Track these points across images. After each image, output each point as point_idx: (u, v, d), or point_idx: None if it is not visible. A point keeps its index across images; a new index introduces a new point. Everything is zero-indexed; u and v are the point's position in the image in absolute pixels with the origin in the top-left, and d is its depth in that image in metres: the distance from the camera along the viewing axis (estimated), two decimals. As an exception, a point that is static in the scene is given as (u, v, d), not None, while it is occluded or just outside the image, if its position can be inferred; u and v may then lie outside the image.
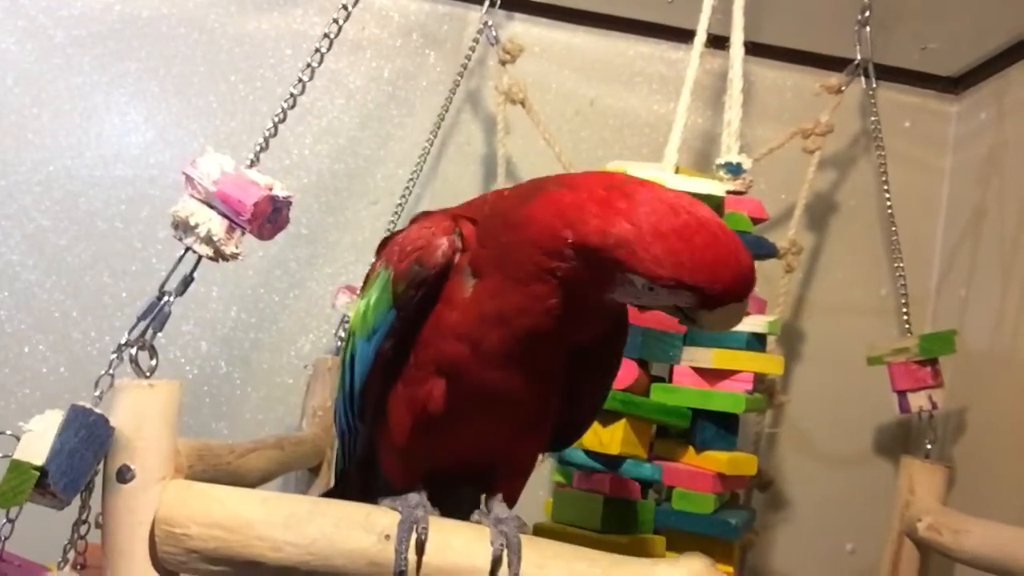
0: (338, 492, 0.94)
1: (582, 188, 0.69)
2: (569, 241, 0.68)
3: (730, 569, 1.07)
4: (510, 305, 0.73)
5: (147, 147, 1.49)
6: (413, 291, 0.76)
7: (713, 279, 0.65)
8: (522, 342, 0.74)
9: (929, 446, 1.30)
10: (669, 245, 0.65)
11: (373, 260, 0.87)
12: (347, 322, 1.41)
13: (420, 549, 0.77)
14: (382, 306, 0.78)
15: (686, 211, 0.66)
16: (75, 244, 1.46)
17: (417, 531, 0.77)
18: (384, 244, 0.85)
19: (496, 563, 0.76)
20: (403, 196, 1.44)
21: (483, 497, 0.88)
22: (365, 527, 0.78)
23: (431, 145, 1.45)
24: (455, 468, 0.85)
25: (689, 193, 1.09)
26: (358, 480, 0.93)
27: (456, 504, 0.86)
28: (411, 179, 1.44)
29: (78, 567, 0.83)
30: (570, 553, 0.79)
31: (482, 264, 0.74)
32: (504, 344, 0.74)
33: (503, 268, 0.73)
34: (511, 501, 0.85)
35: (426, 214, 0.82)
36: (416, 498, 0.80)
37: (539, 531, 1.03)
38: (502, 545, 0.76)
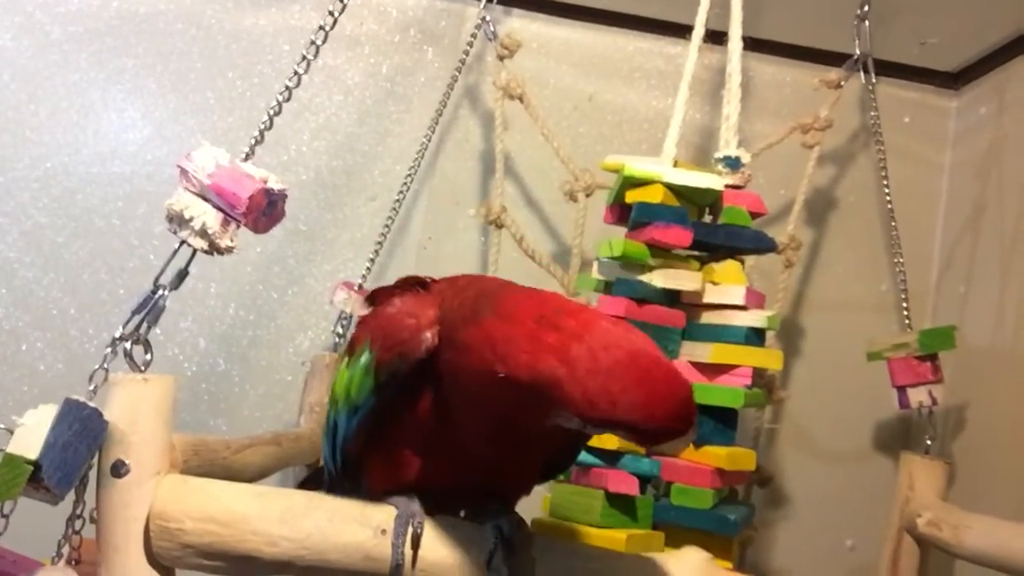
0: (318, 475, 0.94)
1: (514, 319, 0.66)
2: (501, 376, 0.65)
3: (729, 565, 1.07)
4: (467, 405, 0.73)
5: (144, 143, 1.49)
6: (394, 380, 0.76)
7: (647, 417, 0.62)
8: (499, 427, 0.73)
9: (929, 442, 1.30)
10: (600, 384, 0.62)
11: (358, 322, 0.86)
12: (345, 318, 1.41)
13: (416, 543, 0.77)
14: (365, 389, 0.78)
15: (618, 345, 0.63)
16: (72, 241, 1.46)
17: (413, 525, 0.77)
18: (374, 298, 0.83)
19: (491, 557, 0.76)
20: (401, 192, 1.43)
21: None
22: (361, 522, 0.78)
23: (429, 141, 1.44)
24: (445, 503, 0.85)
25: (687, 187, 1.11)
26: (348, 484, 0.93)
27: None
28: (409, 175, 1.43)
29: (72, 562, 0.82)
30: (568, 549, 0.79)
31: (443, 363, 0.74)
32: (481, 425, 0.74)
33: (459, 378, 0.72)
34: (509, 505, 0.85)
35: (411, 289, 0.80)
36: (412, 495, 0.80)
37: (537, 526, 1.03)
38: (497, 539, 0.76)
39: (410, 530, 0.77)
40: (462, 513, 0.84)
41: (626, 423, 0.63)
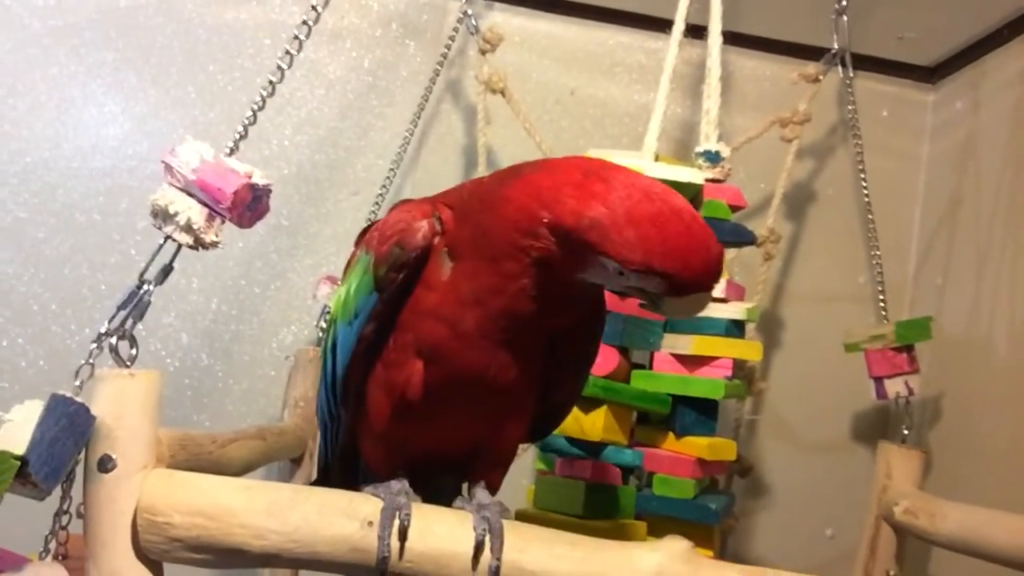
0: (321, 484, 0.94)
1: (560, 171, 0.70)
2: (545, 221, 0.69)
3: (710, 553, 1.08)
4: (485, 286, 0.74)
5: (125, 138, 1.48)
6: (394, 273, 0.77)
7: (683, 267, 0.67)
8: (498, 324, 0.75)
9: (906, 432, 1.32)
10: (642, 231, 0.66)
11: (353, 249, 0.87)
12: (328, 313, 1.40)
13: (403, 535, 0.77)
14: (363, 290, 0.79)
15: (660, 199, 0.67)
16: (53, 236, 1.45)
17: (400, 517, 0.77)
18: (364, 233, 0.85)
19: (478, 547, 0.76)
20: (384, 186, 1.44)
21: (465, 485, 0.89)
22: (348, 514, 0.78)
23: (411, 135, 1.44)
24: (436, 455, 0.85)
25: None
26: (340, 471, 0.93)
27: (438, 492, 0.86)
28: (392, 169, 1.44)
29: (59, 557, 0.82)
30: (551, 537, 0.80)
31: (459, 247, 0.75)
32: (481, 325, 0.75)
33: (479, 249, 0.73)
34: (493, 489, 0.86)
35: (405, 201, 0.82)
36: (398, 485, 0.81)
37: (521, 517, 1.04)
38: (484, 530, 0.77)
39: (396, 522, 0.77)
40: (456, 503, 0.83)
41: (662, 270, 0.66)
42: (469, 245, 0.74)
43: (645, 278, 0.68)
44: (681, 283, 0.67)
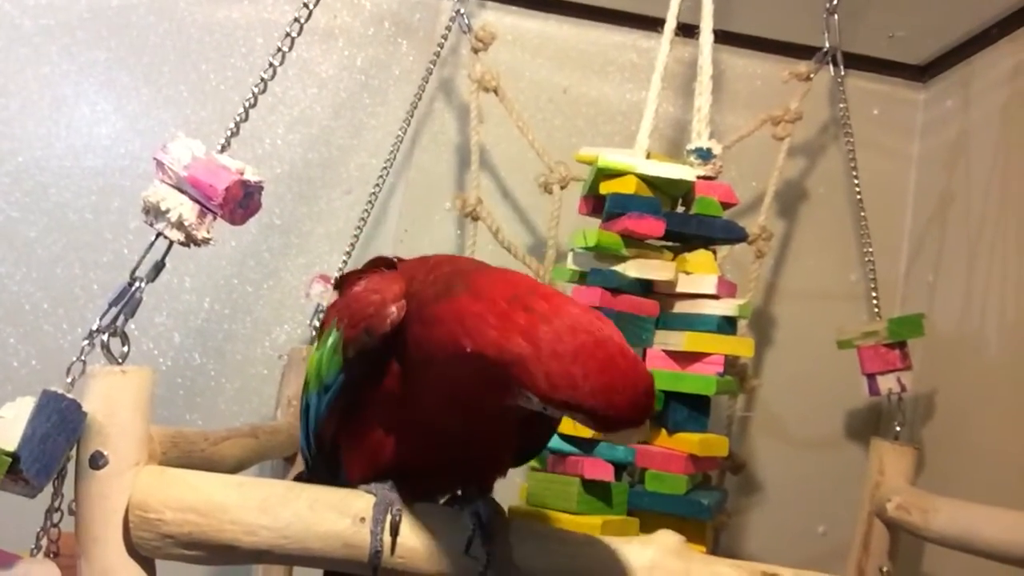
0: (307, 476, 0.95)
1: (486, 297, 0.67)
2: (468, 351, 0.66)
3: (703, 549, 1.08)
4: (435, 382, 0.74)
5: (117, 137, 1.48)
6: (361, 356, 0.77)
7: (606, 405, 0.63)
8: (451, 410, 0.75)
9: (898, 428, 1.32)
10: (563, 368, 0.63)
11: (327, 306, 0.89)
12: (322, 311, 1.41)
13: (395, 531, 0.77)
14: (333, 367, 0.80)
15: (586, 331, 0.64)
16: (45, 236, 1.45)
17: (392, 512, 0.77)
18: (341, 283, 0.85)
19: (470, 542, 0.77)
20: (377, 185, 1.43)
21: None
22: (340, 510, 0.78)
23: (404, 134, 1.44)
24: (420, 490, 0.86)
25: (659, 178, 1.13)
26: (326, 472, 0.94)
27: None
28: (384, 168, 1.44)
29: (51, 555, 0.82)
30: (544, 533, 0.80)
31: (408, 341, 0.75)
32: (437, 410, 0.76)
33: (422, 354, 0.73)
34: (485, 490, 0.86)
35: (377, 270, 0.81)
36: (388, 485, 0.81)
37: (514, 514, 1.04)
38: (475, 524, 0.77)
39: (388, 517, 0.77)
40: (441, 501, 0.85)
41: (585, 408, 0.64)
42: (415, 341, 0.74)
43: (569, 414, 0.66)
44: (606, 420, 0.65)
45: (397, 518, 0.77)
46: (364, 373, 0.78)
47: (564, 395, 0.63)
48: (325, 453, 0.87)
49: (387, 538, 0.77)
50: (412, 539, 0.78)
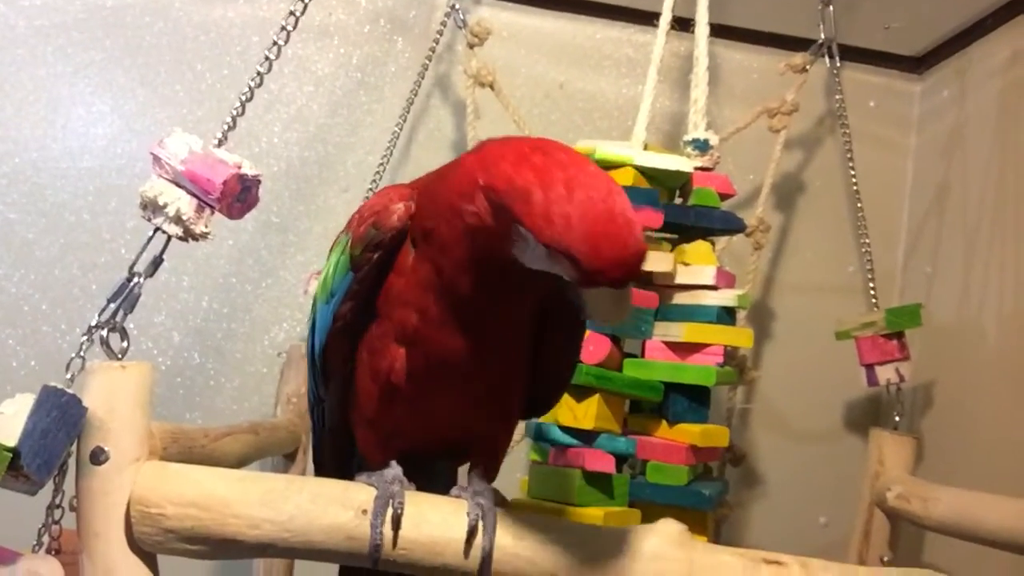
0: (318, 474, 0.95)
1: (511, 143, 0.69)
2: (480, 184, 0.68)
3: (704, 539, 1.08)
4: (437, 266, 0.74)
5: (114, 138, 1.48)
6: (369, 254, 0.77)
7: (593, 253, 0.63)
8: (460, 307, 0.74)
9: (897, 418, 1.32)
10: (562, 208, 0.63)
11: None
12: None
13: (396, 524, 0.77)
14: (341, 270, 0.80)
15: (593, 185, 0.64)
16: (43, 237, 1.45)
17: (393, 506, 0.77)
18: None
19: (471, 533, 0.77)
20: (374, 182, 1.43)
21: (463, 472, 0.89)
22: (342, 503, 0.78)
23: (401, 131, 1.44)
24: (428, 441, 0.85)
25: (657, 169, 1.13)
26: (333, 459, 0.93)
27: (433, 479, 0.86)
28: (381, 165, 1.44)
29: (52, 552, 0.82)
30: (547, 523, 0.80)
31: (418, 229, 0.76)
32: (444, 309, 0.75)
33: (432, 226, 0.74)
34: (490, 476, 0.86)
35: (390, 186, 0.82)
36: (392, 473, 0.81)
37: (516, 507, 1.04)
38: (477, 516, 0.77)
39: (390, 510, 0.77)
40: (452, 492, 0.83)
41: (572, 251, 0.63)
42: (425, 226, 0.75)
43: (556, 259, 0.65)
44: (588, 270, 0.63)
45: (399, 511, 0.77)
46: (371, 277, 0.78)
47: (556, 233, 0.63)
48: (331, 392, 0.86)
49: (388, 531, 0.77)
50: (414, 530, 0.77)
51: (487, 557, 0.76)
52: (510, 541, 0.78)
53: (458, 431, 0.85)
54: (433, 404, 0.81)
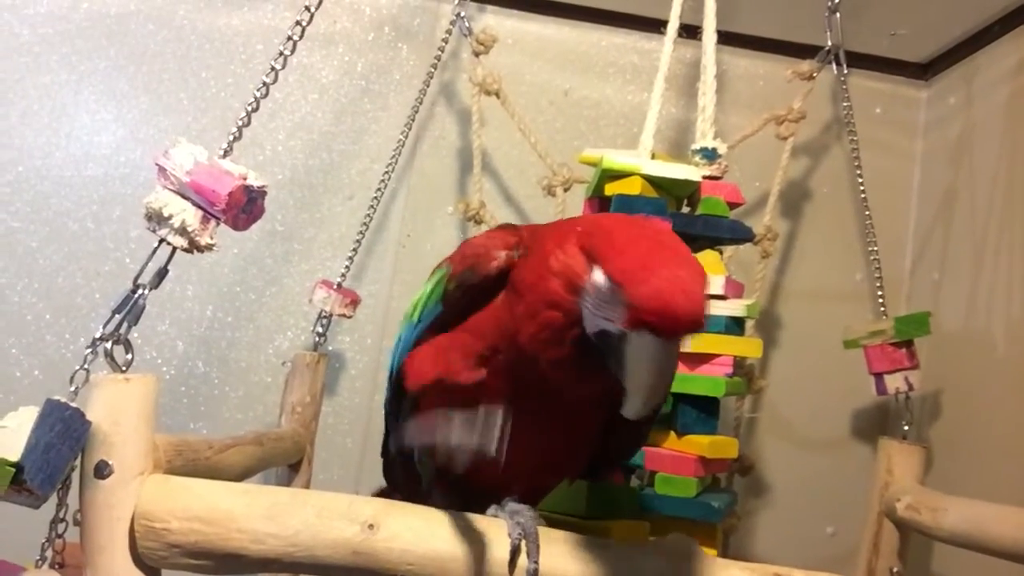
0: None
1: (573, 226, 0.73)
2: (578, 230, 0.70)
3: (714, 551, 1.07)
4: (515, 321, 0.74)
5: (118, 146, 1.47)
6: (461, 292, 0.79)
7: (648, 289, 0.64)
8: (520, 363, 0.75)
9: (906, 427, 1.31)
10: (639, 257, 0.66)
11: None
12: (325, 317, 1.40)
13: (514, 555, 0.76)
14: (433, 299, 0.82)
15: (678, 258, 0.67)
16: (46, 245, 1.44)
17: (528, 541, 0.77)
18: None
19: (515, 553, 0.76)
20: (378, 190, 1.43)
21: None
22: (348, 517, 0.77)
23: (405, 139, 1.44)
24: (486, 479, 0.84)
25: (665, 178, 1.12)
26: (404, 481, 0.95)
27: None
28: (386, 173, 1.43)
29: (56, 566, 0.81)
30: (558, 538, 0.79)
31: (514, 279, 0.76)
32: (514, 360, 0.76)
33: (522, 278, 0.75)
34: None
35: (506, 226, 0.84)
36: (528, 509, 0.80)
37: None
38: (520, 535, 0.76)
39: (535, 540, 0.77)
40: (489, 511, 0.82)
41: (630, 284, 0.65)
42: (517, 279, 0.76)
43: (615, 295, 0.66)
44: (639, 305, 0.64)
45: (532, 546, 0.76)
46: (459, 312, 0.79)
47: (624, 263, 0.66)
48: (396, 415, 0.88)
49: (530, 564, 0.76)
50: (456, 548, 0.77)
51: None
52: (521, 557, 0.77)
53: (513, 482, 0.84)
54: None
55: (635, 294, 0.64)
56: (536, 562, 0.76)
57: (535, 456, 0.81)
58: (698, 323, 0.65)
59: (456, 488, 0.84)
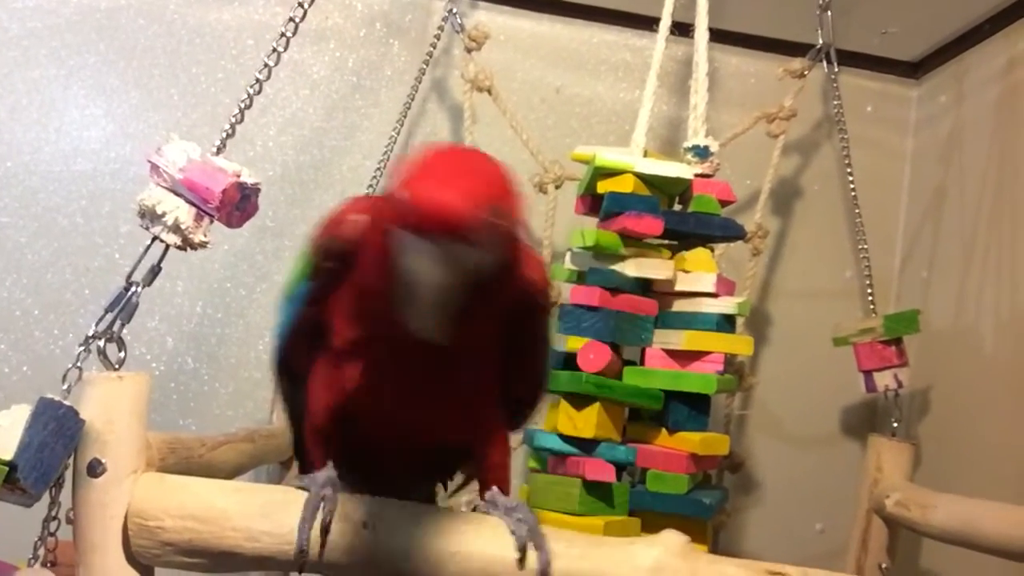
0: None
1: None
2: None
3: (704, 548, 1.08)
4: (362, 278, 0.74)
5: (107, 141, 1.46)
6: (325, 263, 0.77)
7: (424, 192, 0.64)
8: (391, 324, 0.72)
9: (895, 424, 1.32)
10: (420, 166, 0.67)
11: None
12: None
13: (325, 530, 0.75)
14: (300, 276, 0.80)
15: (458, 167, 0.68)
16: (35, 241, 1.43)
17: (323, 511, 0.76)
18: None
19: (523, 552, 0.76)
20: (370, 187, 1.42)
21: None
22: (343, 515, 0.77)
23: (397, 135, 1.43)
24: (389, 455, 0.84)
25: (657, 176, 1.12)
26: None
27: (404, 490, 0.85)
28: (378, 170, 1.43)
29: (48, 564, 0.81)
30: (549, 535, 0.79)
31: (362, 240, 0.75)
32: (381, 323, 0.73)
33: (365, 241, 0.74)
34: (506, 491, 0.85)
35: (357, 197, 0.83)
36: (324, 476, 0.79)
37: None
38: (527, 533, 0.76)
39: (320, 516, 0.76)
40: (480, 507, 0.82)
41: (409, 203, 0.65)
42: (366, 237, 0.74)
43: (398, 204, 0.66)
44: (418, 211, 0.64)
45: (328, 518, 0.75)
46: (326, 286, 0.78)
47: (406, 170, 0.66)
48: (284, 390, 0.87)
49: (316, 535, 0.75)
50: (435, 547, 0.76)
51: (545, 572, 0.75)
52: (511, 552, 0.77)
53: (420, 442, 0.84)
54: (383, 413, 0.80)
55: (404, 198, 0.65)
56: (547, 559, 0.75)
57: (426, 414, 0.80)
58: (458, 225, 0.64)
59: (340, 442, 0.83)
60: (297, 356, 0.84)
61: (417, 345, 0.68)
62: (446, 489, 1.00)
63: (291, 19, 0.98)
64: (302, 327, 0.81)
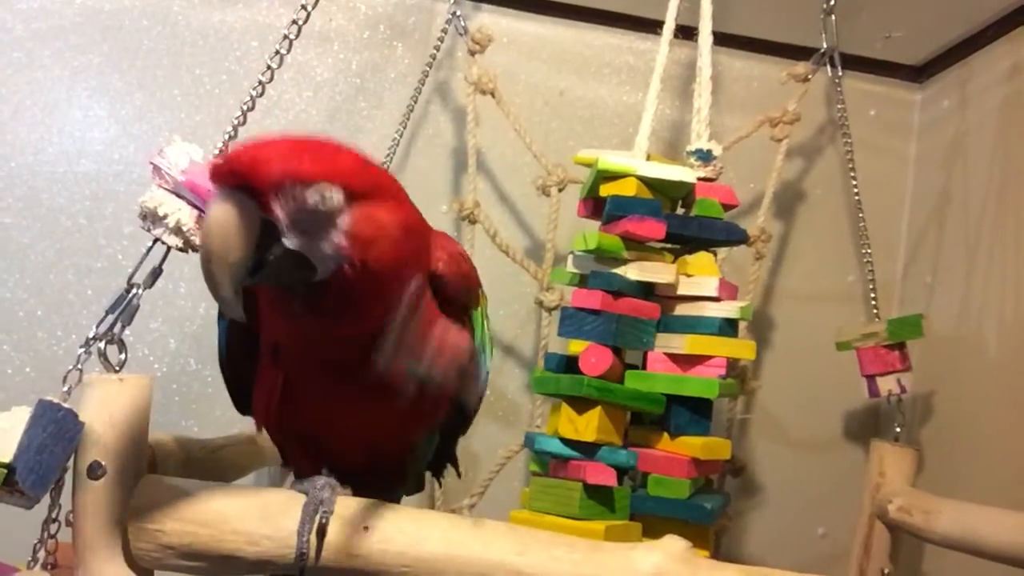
0: None
1: None
2: None
3: (706, 553, 1.08)
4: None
5: (111, 142, 1.47)
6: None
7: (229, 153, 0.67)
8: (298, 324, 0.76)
9: (898, 429, 1.32)
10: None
11: None
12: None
13: (321, 532, 0.77)
14: None
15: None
16: (38, 242, 1.43)
17: (321, 515, 0.77)
18: None
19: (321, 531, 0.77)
20: (373, 189, 1.42)
21: None
22: (344, 518, 0.78)
23: (400, 137, 1.43)
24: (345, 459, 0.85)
25: (660, 179, 1.12)
26: None
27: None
28: (381, 171, 1.43)
29: (48, 567, 0.81)
30: (549, 539, 0.79)
31: None
32: (295, 333, 0.77)
33: None
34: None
35: None
36: (323, 480, 0.80)
37: (517, 520, 1.03)
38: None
39: (317, 519, 0.77)
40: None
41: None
42: None
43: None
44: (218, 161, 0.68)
45: (324, 520, 0.77)
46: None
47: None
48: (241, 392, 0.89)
49: (314, 539, 0.76)
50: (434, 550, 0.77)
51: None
52: (514, 558, 0.77)
53: (354, 442, 0.85)
54: (320, 419, 0.82)
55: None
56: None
57: (346, 410, 0.82)
58: (247, 173, 0.66)
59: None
60: (237, 364, 0.88)
61: (315, 340, 0.71)
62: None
63: (294, 21, 0.98)
64: (235, 341, 0.86)
